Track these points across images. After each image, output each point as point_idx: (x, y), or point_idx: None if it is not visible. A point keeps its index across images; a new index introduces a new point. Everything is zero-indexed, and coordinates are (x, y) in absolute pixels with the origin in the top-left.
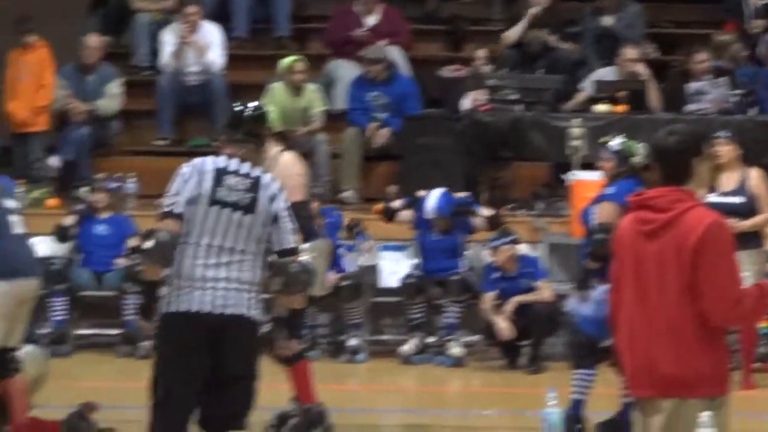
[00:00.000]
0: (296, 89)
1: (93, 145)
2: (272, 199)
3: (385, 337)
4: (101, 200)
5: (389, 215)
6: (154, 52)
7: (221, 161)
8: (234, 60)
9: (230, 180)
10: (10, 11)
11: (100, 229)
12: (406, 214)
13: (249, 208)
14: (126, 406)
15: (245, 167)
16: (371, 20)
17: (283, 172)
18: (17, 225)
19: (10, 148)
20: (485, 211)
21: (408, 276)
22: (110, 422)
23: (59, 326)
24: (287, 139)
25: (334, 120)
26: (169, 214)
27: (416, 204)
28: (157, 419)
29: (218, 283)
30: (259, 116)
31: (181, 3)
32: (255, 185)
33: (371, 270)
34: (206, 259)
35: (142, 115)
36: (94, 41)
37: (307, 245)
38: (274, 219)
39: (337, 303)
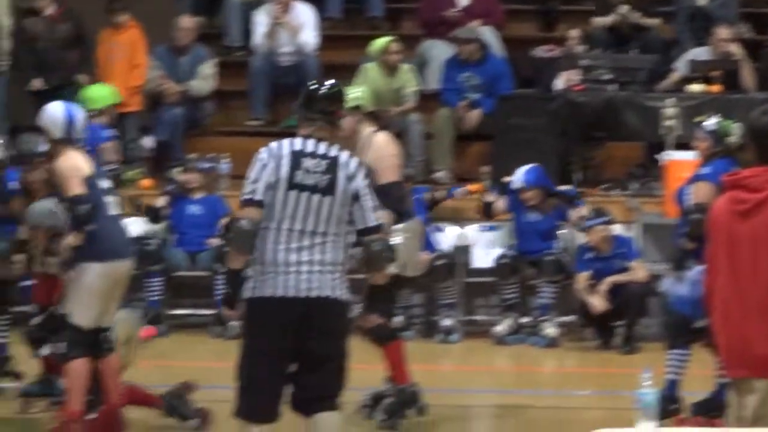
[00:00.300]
0: (390, 69)
1: (186, 126)
2: (351, 178)
3: (478, 318)
4: (194, 180)
5: (488, 211)
6: (247, 33)
7: (297, 144)
8: (327, 40)
9: (307, 162)
10: None
11: (194, 210)
12: (501, 205)
13: (328, 189)
14: (219, 386)
15: (322, 147)
16: (464, 0)
17: (377, 153)
18: (112, 206)
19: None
20: (584, 211)
21: (502, 256)
22: (205, 402)
23: (154, 306)
24: (380, 120)
25: (427, 100)
26: (249, 202)
27: (506, 189)
28: (243, 402)
29: (302, 266)
30: (334, 94)
31: None
32: (333, 166)
33: (465, 250)
34: (288, 244)
35: (235, 95)
36: (187, 22)
37: (400, 226)
38: (355, 197)
39: (430, 283)
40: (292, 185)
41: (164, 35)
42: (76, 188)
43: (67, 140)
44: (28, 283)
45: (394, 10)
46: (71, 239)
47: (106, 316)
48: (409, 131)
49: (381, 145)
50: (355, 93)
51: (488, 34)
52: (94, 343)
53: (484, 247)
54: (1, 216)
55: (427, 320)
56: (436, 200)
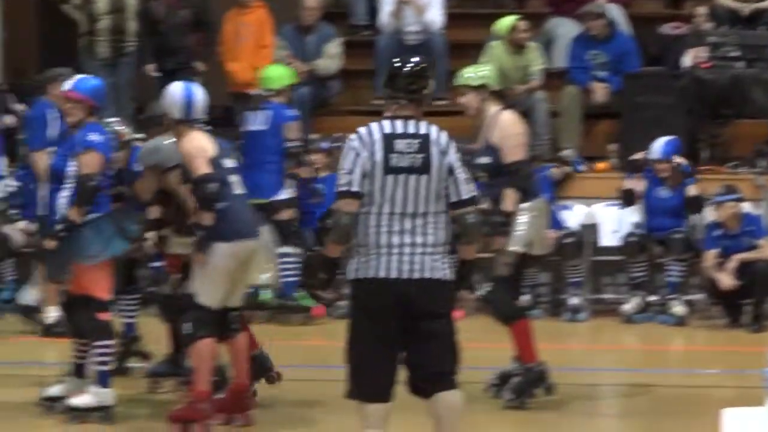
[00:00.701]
0: (516, 48)
1: (312, 105)
2: (444, 153)
3: (606, 296)
4: (318, 160)
5: (629, 198)
6: (373, 12)
7: (387, 126)
8: (453, 18)
9: (400, 144)
10: None
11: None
12: (641, 188)
13: (423, 168)
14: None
15: (411, 126)
16: None
17: (503, 132)
18: (237, 186)
19: (231, 108)
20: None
21: (630, 234)
22: (317, 381)
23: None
24: (506, 98)
25: (554, 78)
26: (347, 194)
27: (635, 166)
28: (354, 383)
29: (404, 248)
30: (418, 72)
31: None
32: (425, 144)
33: (592, 228)
34: (390, 227)
35: (362, 74)
36: (313, 1)
37: (526, 204)
38: (449, 171)
39: (558, 261)
40: (389, 169)
41: (290, 15)
42: (203, 168)
43: (187, 121)
44: (157, 264)
45: None
46: (201, 219)
47: (233, 296)
48: (535, 110)
49: (507, 123)
50: (480, 72)
51: (615, 12)
52: (220, 323)
53: (612, 225)
54: (129, 197)
55: (555, 299)
56: (564, 175)
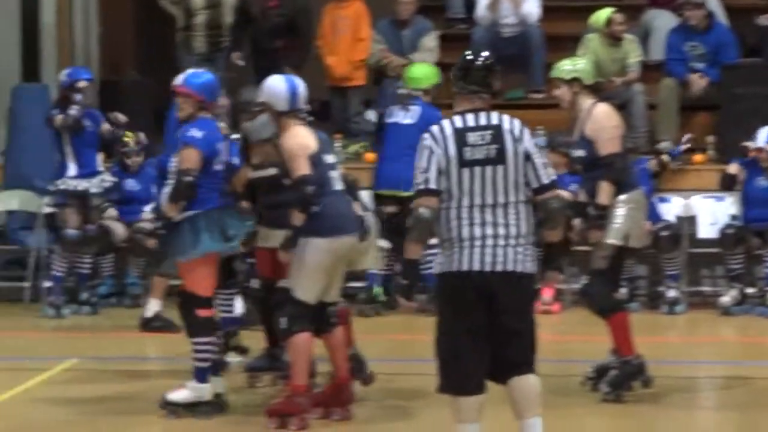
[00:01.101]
0: (613, 40)
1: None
2: (518, 140)
3: (703, 289)
4: None
5: (730, 183)
6: (469, 5)
7: (458, 121)
8: (549, 11)
9: (472, 137)
10: None
11: None
12: (741, 175)
13: (499, 158)
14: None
15: (483, 118)
16: None
17: (597, 125)
18: (337, 181)
19: (328, 103)
20: None
21: (727, 226)
22: (409, 375)
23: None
24: (600, 91)
25: (651, 70)
26: (424, 191)
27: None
28: (445, 377)
29: (486, 240)
30: (489, 66)
31: None
32: (498, 133)
33: (690, 220)
34: (470, 219)
35: (452, 67)
36: None
37: (623, 197)
38: (526, 158)
39: (655, 254)
40: (463, 163)
41: (387, 9)
42: (303, 168)
43: (292, 112)
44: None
45: None
46: (294, 218)
47: (330, 291)
48: (632, 102)
49: (601, 116)
50: (573, 65)
51: (713, 3)
52: (318, 317)
53: (709, 217)
54: (229, 193)
55: (652, 292)
56: (663, 165)
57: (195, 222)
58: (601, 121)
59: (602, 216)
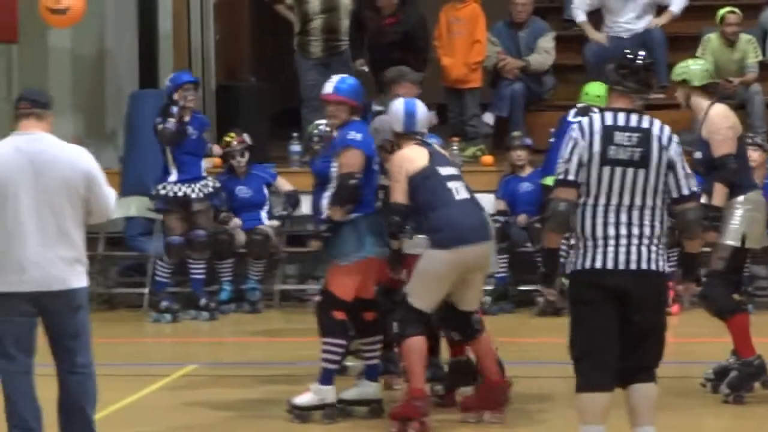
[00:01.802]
0: (729, 40)
1: (526, 101)
2: (665, 148)
3: None
4: (521, 158)
5: None
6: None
7: (609, 118)
8: None
9: (619, 136)
10: None
11: (525, 186)
12: None
13: (642, 162)
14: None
15: (634, 120)
16: None
17: (711, 126)
18: (459, 191)
19: (445, 105)
20: None
21: None
22: (543, 378)
23: (502, 283)
24: (715, 92)
25: None
26: (564, 182)
27: None
28: (581, 376)
29: (621, 240)
30: (650, 66)
31: None
32: (646, 138)
33: None
34: (606, 218)
35: (575, 69)
36: None
37: (740, 198)
38: (669, 167)
39: None
40: (606, 161)
41: (503, 10)
42: (397, 195)
43: (408, 134)
44: None
45: None
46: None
47: (467, 300)
48: (752, 102)
49: (716, 118)
50: (684, 67)
51: None
52: (463, 325)
53: None
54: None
55: None
56: None
57: (358, 225)
58: (716, 122)
59: (717, 217)
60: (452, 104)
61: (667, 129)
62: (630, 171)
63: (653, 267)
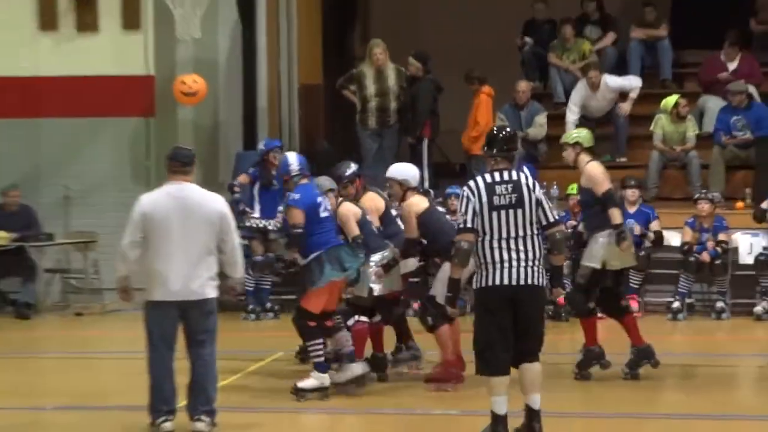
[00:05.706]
0: (678, 118)
1: (526, 162)
2: (532, 191)
3: (742, 301)
4: None
5: (760, 216)
6: (567, 93)
7: (488, 178)
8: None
9: (499, 189)
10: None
11: None
12: None
13: (518, 203)
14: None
15: (506, 175)
16: (732, 65)
17: (591, 177)
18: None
19: (464, 166)
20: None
21: (760, 254)
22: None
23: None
24: (595, 153)
25: (704, 140)
26: (464, 229)
27: None
28: (482, 362)
29: (512, 262)
30: (509, 137)
31: (587, 66)
32: (518, 186)
33: (733, 250)
34: (500, 247)
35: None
36: (525, 86)
37: (606, 231)
38: (538, 203)
39: (709, 276)
40: (492, 208)
41: (509, 96)
42: (410, 230)
43: (413, 188)
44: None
45: (679, 74)
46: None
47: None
48: (691, 164)
49: (593, 170)
50: (577, 133)
51: (751, 89)
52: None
53: (747, 247)
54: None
55: (706, 303)
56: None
57: (320, 259)
58: (594, 172)
59: (622, 233)
60: (467, 164)
61: (530, 177)
62: (511, 211)
63: (534, 282)
